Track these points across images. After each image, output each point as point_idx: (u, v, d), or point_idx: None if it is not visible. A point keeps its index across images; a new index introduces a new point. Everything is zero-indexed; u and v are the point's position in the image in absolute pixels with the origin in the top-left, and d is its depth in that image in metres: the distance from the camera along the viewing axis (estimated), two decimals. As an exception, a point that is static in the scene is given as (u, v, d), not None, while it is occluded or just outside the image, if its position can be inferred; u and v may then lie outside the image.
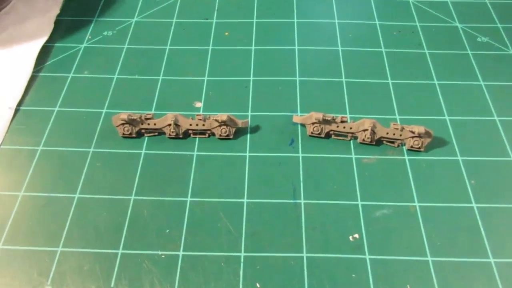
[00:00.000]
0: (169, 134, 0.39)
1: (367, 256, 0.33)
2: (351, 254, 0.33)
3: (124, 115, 0.38)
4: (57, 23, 0.49)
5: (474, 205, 0.35)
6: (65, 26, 0.49)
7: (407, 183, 0.36)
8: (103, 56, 0.46)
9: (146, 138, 0.39)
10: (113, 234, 0.34)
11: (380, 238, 0.33)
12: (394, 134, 0.38)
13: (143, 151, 0.38)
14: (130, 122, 0.38)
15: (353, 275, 0.32)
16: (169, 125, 0.38)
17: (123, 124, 0.38)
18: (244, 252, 0.33)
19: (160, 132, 0.39)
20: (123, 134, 0.39)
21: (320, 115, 0.38)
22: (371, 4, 0.51)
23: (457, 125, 0.40)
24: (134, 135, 0.39)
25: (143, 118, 0.38)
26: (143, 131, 0.39)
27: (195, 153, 0.38)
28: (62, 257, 0.33)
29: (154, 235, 0.34)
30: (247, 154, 0.38)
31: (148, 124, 0.39)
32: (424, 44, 0.47)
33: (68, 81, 0.44)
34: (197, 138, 0.39)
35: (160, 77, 0.44)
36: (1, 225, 0.34)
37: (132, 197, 0.35)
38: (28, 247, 0.33)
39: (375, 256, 0.33)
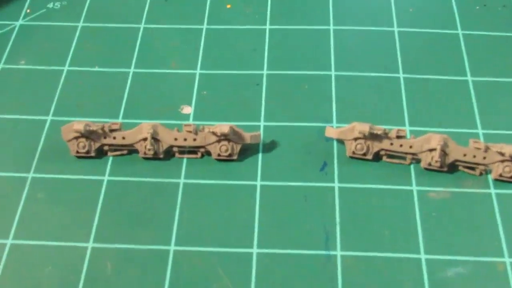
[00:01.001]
0: (144, 153, 0.40)
1: (434, 335, 0.34)
2: (410, 331, 0.34)
3: (78, 125, 0.39)
4: (-19, -11, 0.52)
5: None
6: (-7, -6, 0.51)
7: (494, 228, 0.37)
8: (47, 38, 0.48)
9: (111, 158, 0.41)
10: (62, 297, 0.35)
11: (454, 308, 0.35)
12: (474, 156, 0.39)
13: (106, 178, 0.40)
14: (88, 135, 0.40)
15: None
16: (144, 139, 0.40)
17: (77, 138, 0.40)
18: (253, 326, 0.34)
19: (131, 150, 0.41)
20: (78, 152, 0.40)
21: (365, 127, 0.39)
22: (443, -36, 0.53)
23: None
24: (93, 154, 0.40)
25: (106, 129, 0.40)
26: (106, 148, 0.41)
27: (182, 180, 0.40)
28: (-12, 330, 0.34)
29: (121, 300, 0.35)
30: (258, 182, 0.40)
31: (114, 138, 0.40)
32: (520, 24, 0.49)
33: (-3, 74, 0.46)
34: (185, 159, 0.41)
35: (131, 70, 0.46)
36: None
37: (90, 245, 0.37)
38: None
39: (446, 335, 0.34)
